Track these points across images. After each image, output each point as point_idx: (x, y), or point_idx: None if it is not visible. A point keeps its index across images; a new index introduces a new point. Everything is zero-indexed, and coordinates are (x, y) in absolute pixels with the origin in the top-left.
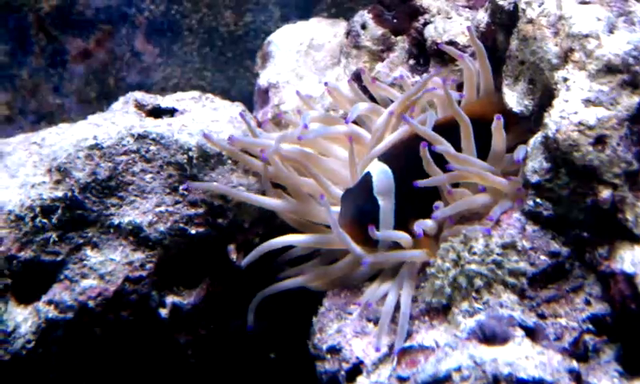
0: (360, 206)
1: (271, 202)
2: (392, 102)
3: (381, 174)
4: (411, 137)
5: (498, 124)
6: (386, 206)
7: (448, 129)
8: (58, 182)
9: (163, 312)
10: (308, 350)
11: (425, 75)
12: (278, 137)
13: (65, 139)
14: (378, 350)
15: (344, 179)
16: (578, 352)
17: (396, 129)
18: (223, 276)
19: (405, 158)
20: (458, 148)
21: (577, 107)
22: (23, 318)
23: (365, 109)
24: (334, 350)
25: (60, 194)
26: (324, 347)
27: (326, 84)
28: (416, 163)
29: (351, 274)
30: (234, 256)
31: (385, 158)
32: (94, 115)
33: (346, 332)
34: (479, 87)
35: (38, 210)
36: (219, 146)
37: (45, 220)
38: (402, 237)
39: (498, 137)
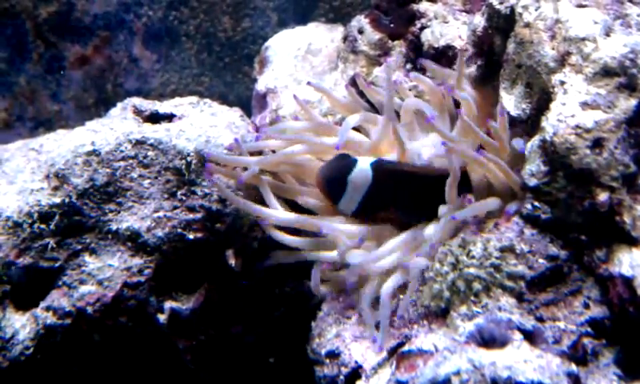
0: (332, 176)
1: (280, 215)
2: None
3: (362, 172)
4: (417, 174)
5: (500, 120)
6: (351, 195)
7: None
8: (56, 189)
9: (162, 317)
10: (307, 355)
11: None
12: (257, 160)
13: (63, 145)
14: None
15: None
16: (577, 355)
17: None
18: (221, 281)
19: (394, 182)
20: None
21: (574, 110)
22: (21, 325)
23: (356, 122)
24: (333, 355)
25: (58, 200)
26: (323, 352)
27: (309, 83)
28: (399, 194)
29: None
30: (232, 261)
31: (377, 164)
32: (92, 121)
33: (345, 336)
34: None
35: (36, 216)
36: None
37: (43, 226)
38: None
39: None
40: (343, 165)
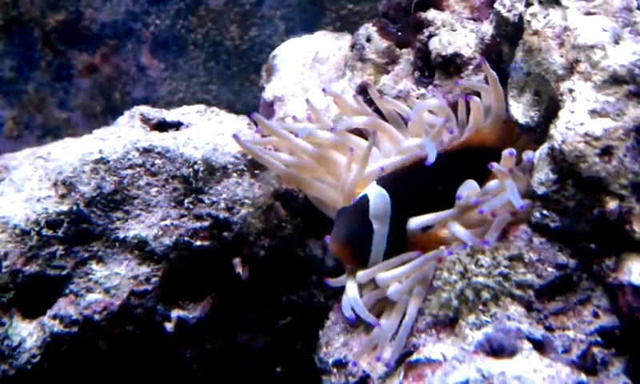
0: (354, 227)
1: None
2: (399, 114)
3: (378, 197)
4: (413, 165)
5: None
6: (380, 230)
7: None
8: (63, 196)
9: (168, 326)
10: (314, 364)
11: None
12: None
13: (70, 153)
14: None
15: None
16: (587, 365)
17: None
18: (228, 289)
19: (403, 185)
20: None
21: (583, 118)
22: (28, 333)
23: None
24: (341, 364)
25: (65, 208)
26: (330, 361)
27: (324, 90)
28: (415, 191)
29: None
30: (239, 269)
31: (383, 182)
32: (100, 129)
33: (353, 345)
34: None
35: (43, 224)
36: (246, 147)
37: (50, 234)
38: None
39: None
40: (356, 208)
